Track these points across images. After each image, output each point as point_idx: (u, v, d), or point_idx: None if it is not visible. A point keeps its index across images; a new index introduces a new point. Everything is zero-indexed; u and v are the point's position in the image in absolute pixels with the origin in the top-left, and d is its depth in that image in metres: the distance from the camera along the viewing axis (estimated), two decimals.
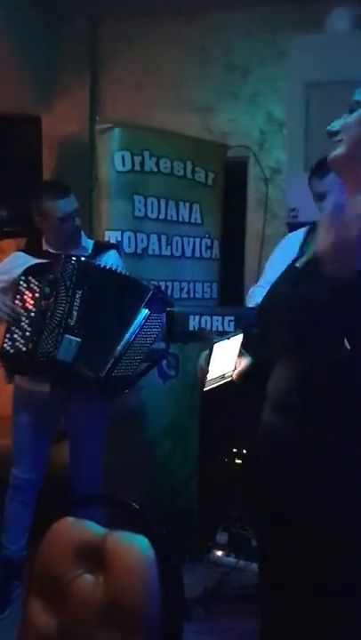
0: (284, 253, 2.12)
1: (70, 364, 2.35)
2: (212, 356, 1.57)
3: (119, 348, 2.39)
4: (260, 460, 1.60)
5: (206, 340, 1.62)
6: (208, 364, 1.57)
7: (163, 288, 3.07)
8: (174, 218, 3.27)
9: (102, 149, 3.12)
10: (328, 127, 1.46)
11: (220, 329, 2.44)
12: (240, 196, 3.82)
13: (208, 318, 2.45)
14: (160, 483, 3.16)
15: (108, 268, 2.51)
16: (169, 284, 3.24)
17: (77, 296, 2.38)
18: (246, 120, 3.79)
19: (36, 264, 2.51)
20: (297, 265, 1.59)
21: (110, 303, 2.45)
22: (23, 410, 2.70)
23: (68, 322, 2.36)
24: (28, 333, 2.39)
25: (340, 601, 1.41)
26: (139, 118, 3.50)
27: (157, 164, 3.19)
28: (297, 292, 1.49)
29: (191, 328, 2.45)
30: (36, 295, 2.43)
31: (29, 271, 2.48)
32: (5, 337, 2.43)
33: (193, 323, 2.46)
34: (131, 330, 2.42)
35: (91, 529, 1.32)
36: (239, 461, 3.23)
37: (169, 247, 3.26)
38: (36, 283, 2.44)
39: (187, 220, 3.32)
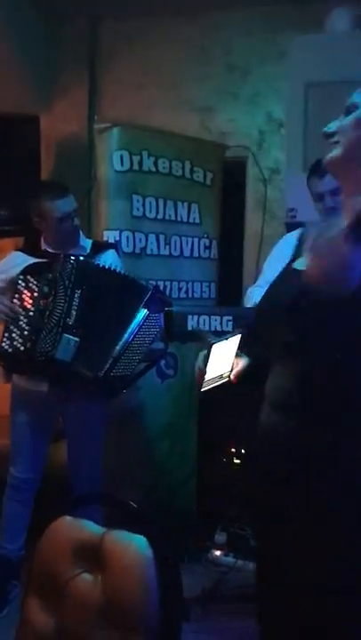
0: (282, 253, 2.13)
1: (69, 363, 2.35)
2: (210, 356, 1.57)
3: (118, 347, 2.39)
4: (260, 459, 1.60)
5: (204, 341, 1.62)
6: (206, 364, 1.57)
7: (161, 288, 3.06)
8: (173, 217, 3.27)
9: (101, 149, 3.11)
10: (324, 129, 1.46)
11: (219, 329, 2.44)
12: (239, 196, 3.83)
13: (206, 318, 2.45)
14: (158, 482, 3.16)
15: (106, 267, 2.51)
16: (167, 283, 3.23)
17: (76, 295, 2.38)
18: (246, 120, 3.79)
19: (35, 263, 2.51)
20: (295, 267, 1.59)
21: (109, 303, 2.45)
22: (21, 409, 2.70)
23: (66, 321, 2.36)
24: (26, 332, 2.39)
25: (339, 601, 1.41)
26: (138, 118, 3.49)
27: (156, 163, 3.19)
28: (296, 293, 1.49)
29: (190, 328, 2.45)
30: (35, 294, 2.43)
31: (28, 270, 2.48)
32: (4, 336, 2.43)
33: (191, 322, 2.45)
34: (129, 330, 2.42)
35: (89, 528, 1.33)
36: (238, 461, 3.23)
37: (167, 247, 3.25)
38: (35, 282, 2.44)
39: (185, 220, 3.32)
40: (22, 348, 2.38)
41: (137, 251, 3.14)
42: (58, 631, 1.28)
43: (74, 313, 2.37)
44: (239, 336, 1.65)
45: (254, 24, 3.70)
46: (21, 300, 2.44)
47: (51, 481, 2.78)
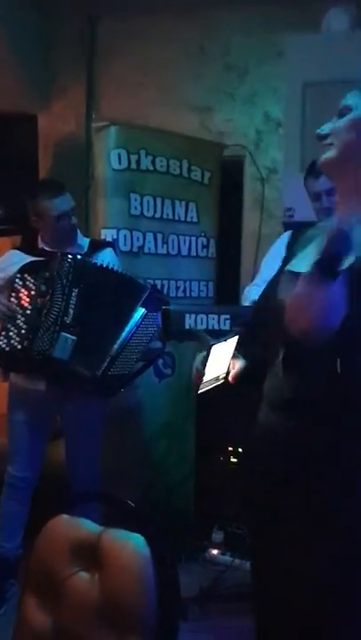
0: (279, 253, 2.11)
1: (66, 362, 2.35)
2: (209, 358, 1.56)
3: (115, 346, 2.39)
4: (258, 459, 1.60)
5: (202, 342, 1.62)
6: (205, 366, 1.57)
7: (159, 287, 3.06)
8: (170, 216, 3.27)
9: (98, 147, 3.11)
10: (317, 130, 1.47)
11: (216, 328, 2.44)
12: (236, 195, 3.82)
13: (204, 317, 2.45)
14: (156, 481, 3.16)
15: (104, 266, 2.51)
16: (165, 282, 3.23)
17: (73, 294, 2.38)
18: (244, 120, 3.79)
19: (32, 262, 2.51)
20: (289, 269, 1.59)
21: (106, 301, 2.45)
22: (19, 408, 2.70)
23: (64, 320, 2.36)
24: (23, 331, 2.38)
25: (337, 601, 1.42)
26: (136, 117, 3.49)
27: (153, 162, 3.19)
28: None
29: (187, 327, 2.45)
30: (32, 293, 2.42)
31: (25, 269, 2.48)
32: (1, 334, 2.43)
33: (189, 321, 2.45)
34: (127, 328, 2.42)
35: (86, 527, 1.32)
36: (235, 460, 3.23)
37: (165, 246, 3.25)
38: (32, 280, 2.44)
39: (183, 219, 3.31)
40: (20, 347, 2.38)
41: (134, 249, 3.14)
42: (55, 630, 1.28)
43: (71, 311, 2.37)
44: (237, 337, 1.65)
45: (254, 24, 3.70)
46: (19, 298, 2.43)
47: (48, 480, 2.78)
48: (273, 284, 1.65)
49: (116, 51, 3.96)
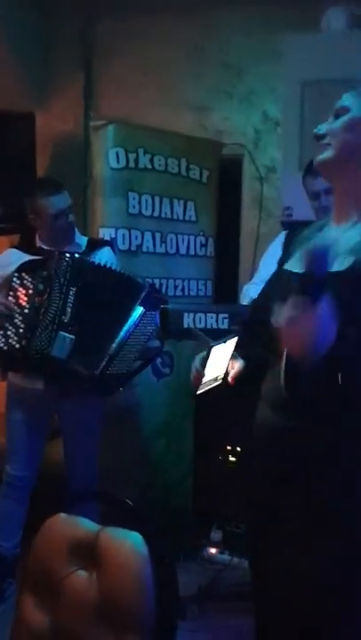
0: (277, 251, 2.12)
1: (64, 361, 2.35)
2: (209, 359, 1.56)
3: (114, 345, 2.39)
4: (258, 459, 1.60)
5: (202, 342, 1.62)
6: (204, 367, 1.57)
7: (157, 285, 3.06)
8: (169, 215, 3.27)
9: (97, 146, 3.11)
10: (314, 130, 1.47)
11: (215, 326, 2.44)
12: (235, 194, 3.82)
13: (202, 316, 2.45)
14: (154, 480, 3.16)
15: (102, 265, 2.50)
16: (163, 281, 3.23)
17: (71, 293, 2.37)
18: (242, 119, 3.79)
19: (30, 261, 2.50)
20: (286, 268, 1.58)
21: (105, 300, 2.44)
22: (17, 407, 2.70)
23: (61, 319, 2.35)
24: (21, 330, 2.38)
25: (336, 600, 1.42)
26: (134, 116, 3.49)
27: (152, 161, 3.19)
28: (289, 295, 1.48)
29: (185, 325, 2.45)
30: (30, 292, 2.42)
31: (23, 268, 2.47)
32: None
33: (187, 320, 2.45)
34: (125, 327, 2.42)
35: (84, 526, 1.32)
36: (233, 459, 3.23)
37: (163, 244, 3.25)
38: (30, 279, 2.44)
39: (181, 218, 3.31)
40: (17, 346, 2.37)
41: (133, 248, 3.14)
42: (53, 629, 1.28)
43: (69, 310, 2.36)
44: (236, 339, 1.64)
45: (253, 24, 3.69)
46: (16, 297, 2.43)
47: (46, 479, 2.78)
48: (271, 284, 1.65)
49: (116, 51, 3.95)
